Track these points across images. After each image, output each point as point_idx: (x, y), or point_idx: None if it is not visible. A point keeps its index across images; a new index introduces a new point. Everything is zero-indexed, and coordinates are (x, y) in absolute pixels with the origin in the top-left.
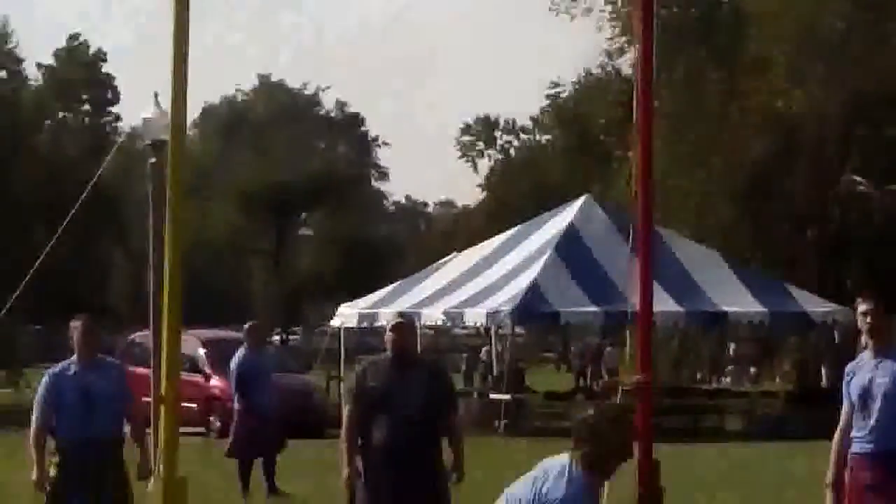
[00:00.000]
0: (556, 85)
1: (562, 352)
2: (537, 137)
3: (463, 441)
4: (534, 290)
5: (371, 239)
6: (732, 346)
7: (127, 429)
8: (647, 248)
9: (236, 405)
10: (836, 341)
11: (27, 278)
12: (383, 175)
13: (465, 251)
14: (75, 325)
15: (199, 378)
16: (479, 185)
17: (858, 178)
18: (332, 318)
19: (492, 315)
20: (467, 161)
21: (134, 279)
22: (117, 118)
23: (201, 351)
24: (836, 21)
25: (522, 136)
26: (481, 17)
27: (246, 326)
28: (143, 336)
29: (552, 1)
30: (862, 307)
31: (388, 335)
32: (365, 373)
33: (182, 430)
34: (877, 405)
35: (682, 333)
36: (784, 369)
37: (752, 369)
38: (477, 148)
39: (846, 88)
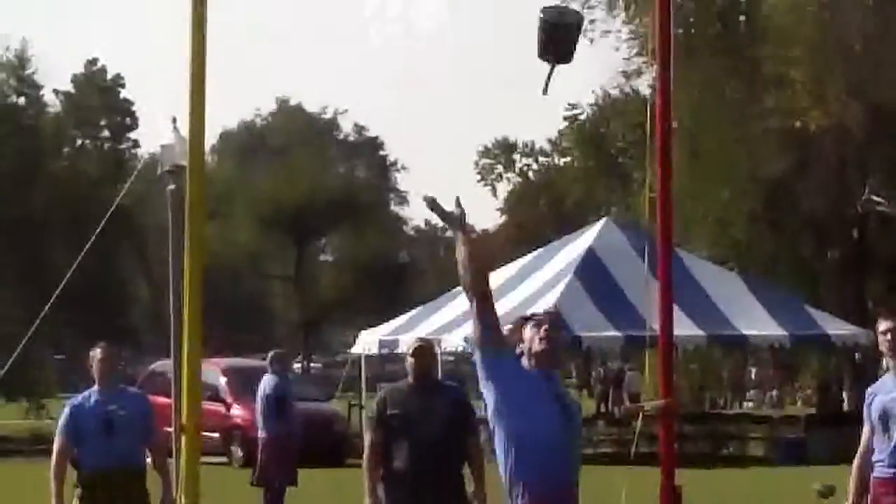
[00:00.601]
0: (574, 107)
1: (583, 376)
2: (556, 160)
3: (484, 467)
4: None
5: (391, 263)
6: (753, 370)
7: (149, 459)
8: (666, 272)
9: (261, 433)
10: (858, 363)
11: (47, 306)
12: (403, 199)
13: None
14: (94, 353)
15: (220, 407)
16: (499, 209)
17: (878, 198)
18: (352, 345)
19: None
20: (486, 184)
21: (155, 306)
22: (136, 144)
23: (222, 380)
24: (856, 36)
25: (541, 158)
26: (498, 40)
27: (271, 354)
28: (163, 365)
29: None
30: (882, 326)
31: (409, 361)
32: (385, 399)
33: (203, 459)
34: None
35: (703, 357)
36: (805, 392)
37: (774, 392)
38: (496, 171)
39: (866, 104)
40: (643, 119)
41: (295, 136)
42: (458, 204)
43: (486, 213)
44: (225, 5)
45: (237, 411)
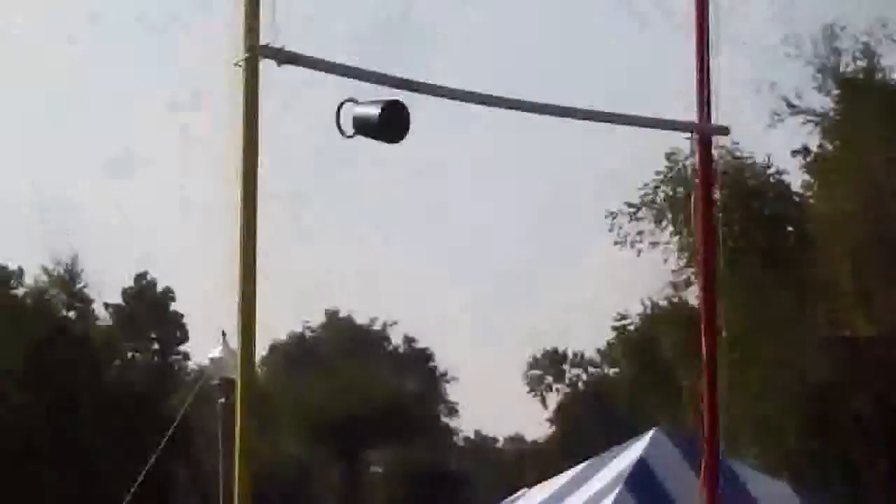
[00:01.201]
0: (623, 317)
1: None
2: (605, 370)
3: None
4: None
5: (440, 475)
6: None
7: None
8: (712, 484)
9: None
10: None
11: None
12: (452, 410)
13: (535, 487)
14: None
15: None
16: (548, 419)
17: None
18: None
19: None
20: (536, 395)
21: None
22: (186, 356)
23: None
24: None
25: (591, 368)
26: (547, 252)
27: None
28: None
29: (618, 234)
30: None
31: None
32: None
33: None
34: None
35: None
36: None
37: None
38: (545, 382)
39: None
40: (692, 330)
41: (344, 347)
42: None
43: (535, 423)
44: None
45: None
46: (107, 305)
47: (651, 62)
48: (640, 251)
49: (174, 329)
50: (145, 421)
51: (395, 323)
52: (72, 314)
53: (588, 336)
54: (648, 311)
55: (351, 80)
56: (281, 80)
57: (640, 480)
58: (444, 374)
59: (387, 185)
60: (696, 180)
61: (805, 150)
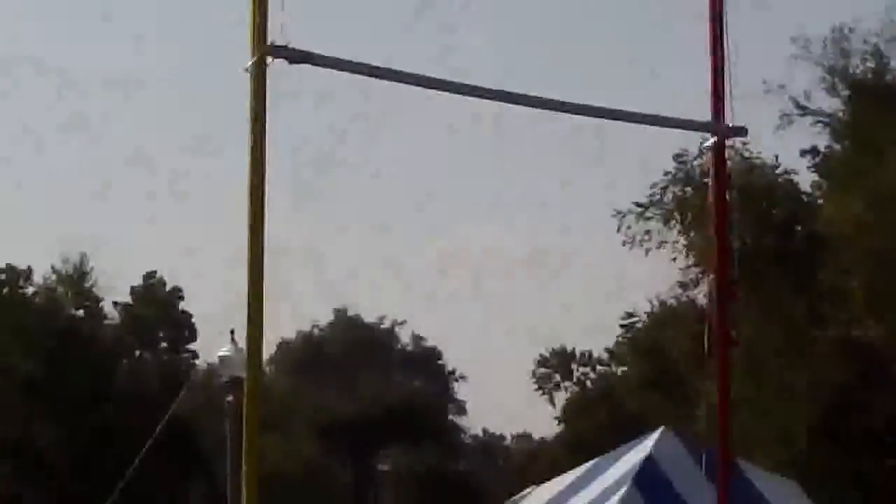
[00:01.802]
0: (631, 315)
1: None
2: (613, 369)
3: None
4: None
5: (449, 473)
6: None
7: None
8: (724, 479)
9: None
10: None
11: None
12: (461, 409)
13: (543, 485)
14: None
15: None
16: (556, 418)
17: None
18: None
19: None
20: (543, 394)
21: None
22: (194, 355)
23: None
24: None
25: (599, 367)
26: (553, 251)
27: None
28: None
29: (626, 235)
30: None
31: None
32: None
33: None
34: None
35: None
36: None
37: None
38: (553, 381)
39: None
40: (700, 329)
41: (353, 346)
42: None
43: (543, 422)
44: (280, 218)
45: None
46: (115, 304)
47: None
48: (647, 250)
49: (182, 328)
50: (153, 420)
51: (405, 322)
52: (80, 313)
53: (597, 335)
54: (656, 310)
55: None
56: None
57: (649, 478)
58: (453, 373)
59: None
60: (709, 181)
61: (814, 151)
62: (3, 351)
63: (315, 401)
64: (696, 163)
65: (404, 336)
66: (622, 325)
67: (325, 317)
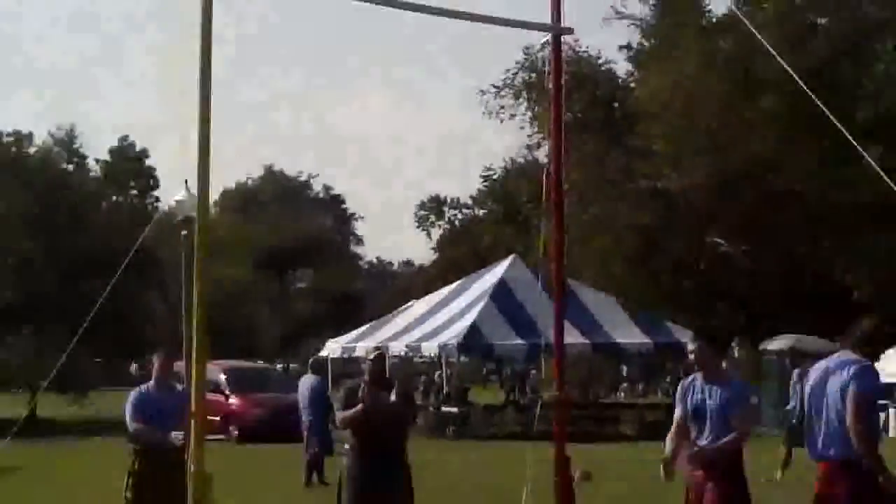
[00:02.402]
0: (489, 169)
1: (498, 375)
2: (476, 211)
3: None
4: (474, 328)
5: (350, 290)
6: (625, 369)
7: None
8: (560, 295)
9: (306, 417)
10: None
11: (87, 321)
12: (359, 241)
13: (422, 299)
14: (157, 356)
15: (220, 398)
16: (432, 248)
17: (721, 241)
18: (321, 351)
19: (443, 348)
20: (423, 230)
21: (171, 322)
22: (157, 199)
23: (222, 377)
24: (707, 119)
25: (464, 210)
26: (435, 122)
27: (311, 360)
28: (178, 366)
29: (486, 107)
30: (690, 348)
31: (368, 363)
32: (349, 391)
33: (209, 437)
34: (707, 423)
35: (588, 360)
36: (665, 386)
37: (640, 386)
38: (430, 220)
39: (712, 171)
40: (541, 179)
41: (278, 194)
42: None
43: (422, 251)
44: (227, 93)
45: (233, 400)
46: (97, 160)
47: None
48: (502, 120)
49: (148, 178)
50: (126, 250)
51: (317, 175)
52: (70, 167)
53: (462, 185)
54: (508, 166)
55: None
56: None
57: (500, 293)
58: (353, 214)
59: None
60: (548, 69)
61: (629, 46)
62: (7, 195)
63: (248, 235)
64: (539, 54)
65: (317, 186)
66: (482, 177)
67: (257, 170)
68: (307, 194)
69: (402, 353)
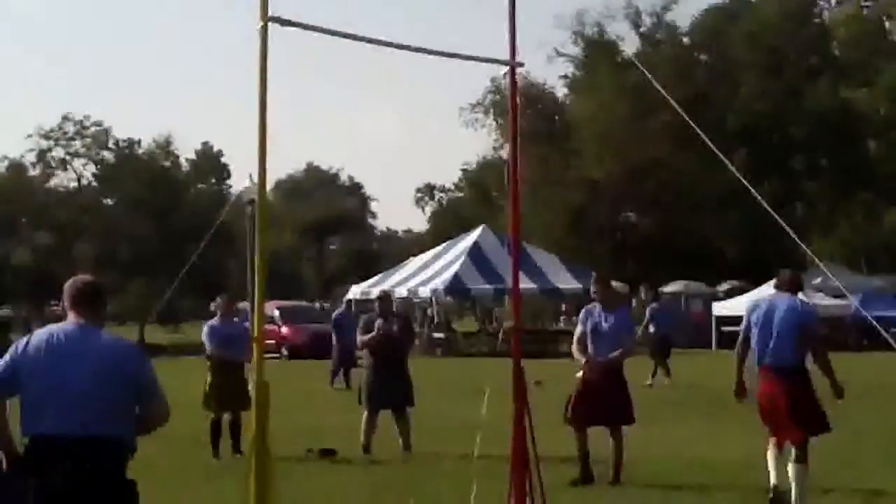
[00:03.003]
0: (466, 164)
1: (473, 311)
2: (457, 194)
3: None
4: (455, 277)
5: (367, 251)
6: (563, 306)
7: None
8: (517, 254)
9: (335, 341)
10: (659, 303)
11: (180, 274)
12: (374, 216)
13: (418, 256)
14: (220, 299)
15: (275, 327)
16: (427, 221)
17: (630, 215)
18: (346, 294)
19: (433, 291)
20: (419, 208)
21: (240, 276)
22: (230, 187)
23: (276, 312)
24: (619, 129)
25: (449, 193)
26: (428, 129)
27: (346, 300)
28: (245, 305)
29: (464, 121)
30: (591, 286)
31: (379, 302)
32: (367, 322)
33: (266, 356)
34: (601, 340)
35: (536, 299)
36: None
37: (574, 318)
38: (425, 200)
39: (623, 165)
40: (503, 171)
41: (315, 182)
42: None
43: (419, 223)
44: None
45: (284, 329)
46: (187, 159)
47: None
48: (476, 129)
49: (223, 172)
50: (207, 224)
51: (343, 168)
52: (168, 164)
53: (449, 175)
54: (480, 162)
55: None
56: None
57: (475, 253)
58: (372, 197)
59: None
60: (508, 93)
61: (566, 76)
62: (124, 185)
63: (294, 211)
64: (502, 81)
65: (343, 176)
66: (462, 170)
67: (300, 165)
68: (336, 182)
69: (404, 296)
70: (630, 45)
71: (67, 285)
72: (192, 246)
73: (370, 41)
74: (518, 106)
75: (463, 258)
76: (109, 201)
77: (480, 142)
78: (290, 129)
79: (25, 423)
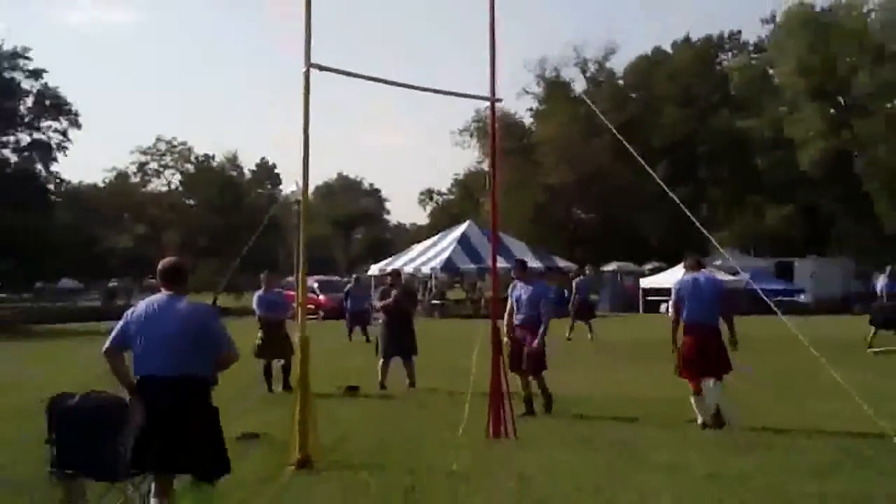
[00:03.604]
0: (458, 174)
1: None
2: (450, 196)
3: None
4: (449, 259)
5: (382, 239)
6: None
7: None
8: (495, 242)
9: (347, 306)
10: (571, 279)
11: (239, 258)
12: (388, 213)
13: (421, 243)
14: (263, 275)
15: (314, 296)
16: (427, 217)
17: (580, 211)
18: (367, 271)
19: (432, 269)
20: (422, 206)
21: (288, 261)
22: (281, 191)
23: (315, 284)
24: (572, 145)
25: (444, 196)
26: (429, 148)
27: (354, 276)
28: (292, 280)
29: (454, 141)
30: (513, 269)
31: (391, 277)
32: (383, 291)
33: (308, 317)
34: (523, 307)
35: (509, 275)
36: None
37: None
38: (426, 201)
39: (575, 174)
40: (485, 180)
41: (343, 186)
42: None
43: (422, 218)
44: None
45: (321, 297)
46: (248, 170)
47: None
48: (464, 148)
49: (276, 179)
50: (261, 218)
51: (364, 178)
52: (234, 173)
53: (442, 182)
54: (468, 172)
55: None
56: None
57: (463, 240)
58: (386, 198)
59: None
60: (489, 121)
61: (532, 109)
62: (200, 191)
63: (328, 209)
64: (484, 111)
65: (365, 183)
66: (453, 178)
67: (333, 173)
68: (360, 187)
69: (410, 272)
70: (579, 85)
71: (160, 265)
72: (250, 235)
73: (386, 82)
74: (496, 130)
75: (454, 245)
76: (190, 202)
77: (467, 157)
78: (325, 146)
79: (136, 367)
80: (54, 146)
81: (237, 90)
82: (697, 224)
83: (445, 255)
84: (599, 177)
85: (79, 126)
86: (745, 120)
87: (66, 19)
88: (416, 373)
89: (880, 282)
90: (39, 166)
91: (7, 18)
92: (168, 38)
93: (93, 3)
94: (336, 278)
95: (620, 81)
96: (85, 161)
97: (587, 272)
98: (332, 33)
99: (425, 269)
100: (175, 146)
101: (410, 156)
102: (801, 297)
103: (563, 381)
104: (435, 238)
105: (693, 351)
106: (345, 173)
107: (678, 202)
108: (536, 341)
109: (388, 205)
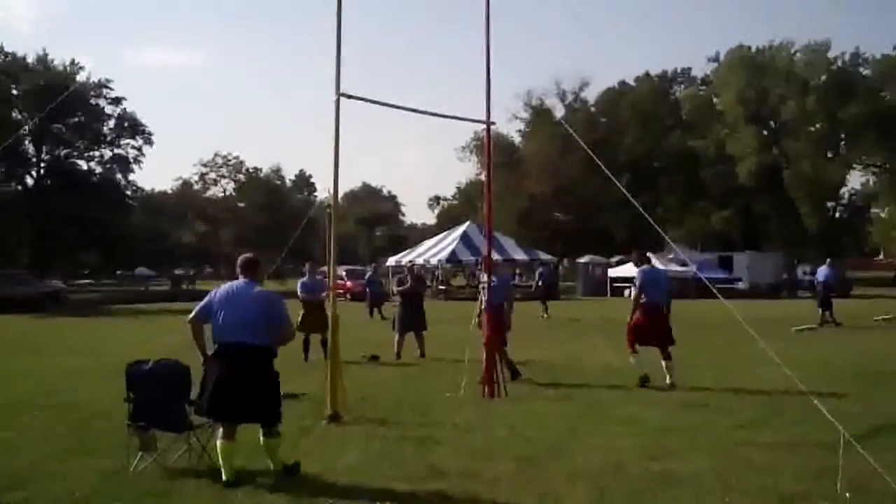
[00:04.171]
0: (460, 183)
1: (462, 273)
2: (454, 202)
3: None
4: (453, 252)
5: (399, 236)
6: (518, 269)
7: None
8: (490, 239)
9: (368, 290)
10: (543, 266)
11: (283, 252)
12: (403, 215)
13: (430, 240)
14: (308, 265)
15: (342, 282)
16: (435, 218)
17: (559, 214)
18: (386, 262)
19: (439, 261)
20: (431, 210)
21: (322, 252)
22: (316, 197)
23: (343, 272)
24: (552, 162)
25: (448, 201)
26: (437, 162)
27: (373, 265)
28: (324, 269)
29: (457, 156)
30: (479, 261)
31: (407, 266)
32: (400, 279)
33: (338, 299)
34: (494, 292)
35: (501, 266)
36: (534, 277)
37: (523, 277)
38: (433, 206)
39: (554, 184)
40: (483, 189)
41: (367, 194)
42: None
43: (431, 219)
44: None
45: (348, 283)
46: (290, 180)
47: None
48: (465, 162)
49: (312, 187)
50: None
51: (384, 186)
52: (278, 182)
53: (447, 189)
54: (470, 180)
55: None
56: None
57: (465, 237)
58: (402, 203)
59: None
60: (484, 141)
61: (521, 131)
62: (251, 196)
63: (355, 212)
64: (481, 132)
65: (384, 191)
66: (457, 187)
67: (358, 183)
68: (380, 193)
69: (421, 263)
70: (559, 112)
71: (239, 259)
72: (292, 232)
73: (403, 108)
74: (491, 148)
75: (457, 241)
76: (241, 205)
77: (467, 170)
78: (352, 160)
79: (216, 336)
80: (132, 160)
81: (281, 114)
82: (654, 225)
83: (449, 249)
84: (574, 186)
85: (151, 143)
86: (694, 140)
87: (139, 59)
88: (425, 345)
89: (821, 273)
90: (119, 176)
91: (92, 55)
92: (225, 72)
93: (164, 44)
94: (360, 267)
95: (592, 108)
96: (156, 172)
97: (553, 264)
98: (358, 65)
99: (433, 261)
100: (230, 160)
101: (421, 168)
102: (739, 285)
103: (544, 351)
104: (441, 235)
105: (645, 325)
106: (368, 182)
107: (639, 207)
108: (508, 313)
109: (403, 208)
